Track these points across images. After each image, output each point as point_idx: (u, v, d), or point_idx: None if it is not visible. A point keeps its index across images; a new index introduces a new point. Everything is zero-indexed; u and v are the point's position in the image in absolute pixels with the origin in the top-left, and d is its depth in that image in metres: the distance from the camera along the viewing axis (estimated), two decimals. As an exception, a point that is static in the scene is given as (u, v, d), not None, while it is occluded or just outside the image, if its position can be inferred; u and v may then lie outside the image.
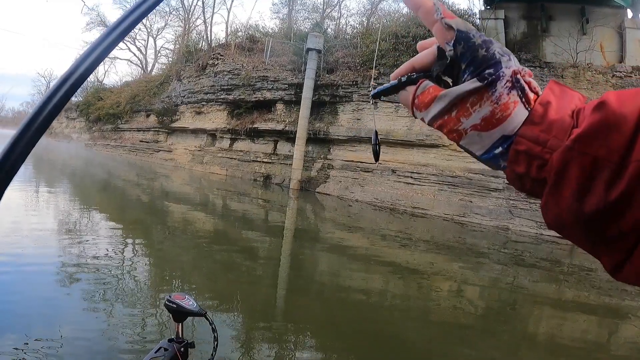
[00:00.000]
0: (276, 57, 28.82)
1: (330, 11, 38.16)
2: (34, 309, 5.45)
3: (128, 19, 0.54)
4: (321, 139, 25.14)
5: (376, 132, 0.64)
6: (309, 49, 25.50)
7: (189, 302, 1.82)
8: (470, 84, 0.45)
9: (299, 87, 25.63)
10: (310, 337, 5.94)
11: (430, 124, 0.50)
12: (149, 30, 56.58)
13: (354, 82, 24.30)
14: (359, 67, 24.67)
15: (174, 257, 9.18)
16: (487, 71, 0.45)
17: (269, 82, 27.45)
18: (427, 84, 0.50)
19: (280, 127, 26.59)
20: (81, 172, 22.25)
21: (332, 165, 24.73)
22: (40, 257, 7.71)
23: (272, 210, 18.71)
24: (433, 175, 21.00)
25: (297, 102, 25.56)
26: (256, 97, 28.03)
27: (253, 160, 28.23)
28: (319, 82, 25.19)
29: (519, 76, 0.45)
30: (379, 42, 23.53)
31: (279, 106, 27.35)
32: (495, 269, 11.67)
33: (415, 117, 0.52)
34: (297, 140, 24.74)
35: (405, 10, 32.75)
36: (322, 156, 25.32)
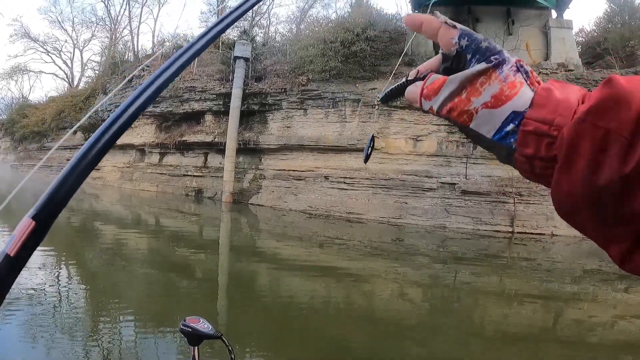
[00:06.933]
0: (204, 66, 27.90)
1: (260, 19, 37.74)
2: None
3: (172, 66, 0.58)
4: (252, 149, 24.48)
5: (373, 136, 0.72)
6: (236, 57, 24.86)
7: (204, 326, 1.83)
8: (479, 66, 0.48)
9: (228, 96, 24.86)
10: (258, 352, 5.72)
11: (439, 110, 0.50)
12: (75, 42, 53.59)
13: (283, 90, 23.82)
14: (287, 75, 24.21)
15: (108, 281, 8.65)
16: (493, 56, 0.48)
17: (196, 92, 26.45)
18: (435, 75, 0.51)
19: (209, 138, 25.69)
20: (4, 197, 20.27)
21: (264, 175, 24.13)
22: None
23: (206, 225, 18.26)
24: (366, 179, 20.89)
25: (226, 113, 24.81)
26: (184, 109, 26.96)
27: (184, 175, 27.16)
28: (247, 91, 24.55)
29: (522, 63, 0.48)
30: (308, 48, 23.27)
31: (208, 117, 26.48)
32: (436, 267, 11.66)
33: (423, 110, 0.52)
34: (227, 152, 23.96)
35: (333, 16, 33.04)
36: (253, 166, 24.67)
